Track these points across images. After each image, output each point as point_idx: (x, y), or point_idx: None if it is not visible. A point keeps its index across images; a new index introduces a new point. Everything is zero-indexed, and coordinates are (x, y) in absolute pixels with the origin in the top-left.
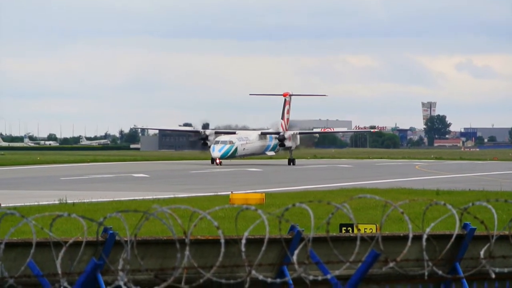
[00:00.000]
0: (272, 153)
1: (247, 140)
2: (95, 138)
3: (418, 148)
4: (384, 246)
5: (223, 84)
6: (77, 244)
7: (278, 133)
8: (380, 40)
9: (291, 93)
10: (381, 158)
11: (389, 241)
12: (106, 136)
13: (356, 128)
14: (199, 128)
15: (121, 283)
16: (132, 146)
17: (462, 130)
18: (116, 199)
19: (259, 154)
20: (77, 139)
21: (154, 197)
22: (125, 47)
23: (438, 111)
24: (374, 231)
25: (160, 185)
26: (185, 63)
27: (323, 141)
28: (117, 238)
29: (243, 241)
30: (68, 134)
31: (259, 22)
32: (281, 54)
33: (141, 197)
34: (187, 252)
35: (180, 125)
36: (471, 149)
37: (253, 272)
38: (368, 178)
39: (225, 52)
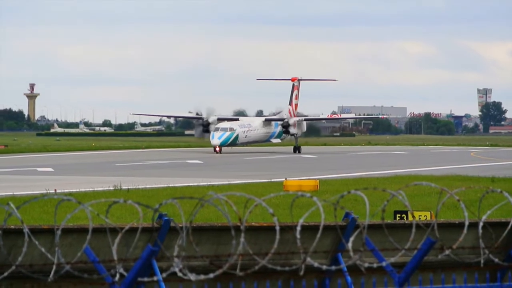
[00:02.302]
0: (277, 140)
1: (250, 127)
2: (150, 124)
3: (473, 135)
4: (440, 233)
5: (279, 71)
6: (132, 230)
7: (282, 119)
8: (434, 26)
9: (299, 78)
10: (436, 145)
11: (445, 229)
12: (160, 122)
13: (411, 115)
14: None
15: (176, 269)
16: (186, 132)
17: None
18: (170, 185)
19: (263, 141)
20: (132, 125)
21: (209, 183)
22: (182, 34)
23: (493, 98)
24: (428, 218)
25: (214, 172)
26: (243, 50)
27: (377, 128)
28: (172, 224)
29: (298, 228)
30: (123, 120)
31: (315, 9)
32: (335, 41)
33: (195, 184)
34: (242, 239)
35: (235, 111)
36: None
37: (308, 259)
38: (423, 165)
39: (281, 39)
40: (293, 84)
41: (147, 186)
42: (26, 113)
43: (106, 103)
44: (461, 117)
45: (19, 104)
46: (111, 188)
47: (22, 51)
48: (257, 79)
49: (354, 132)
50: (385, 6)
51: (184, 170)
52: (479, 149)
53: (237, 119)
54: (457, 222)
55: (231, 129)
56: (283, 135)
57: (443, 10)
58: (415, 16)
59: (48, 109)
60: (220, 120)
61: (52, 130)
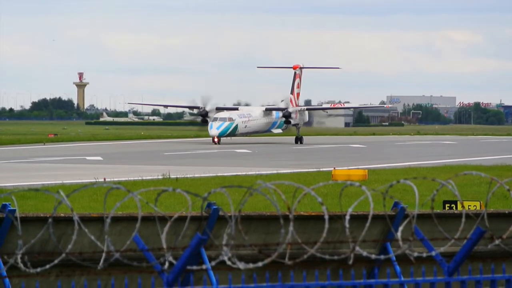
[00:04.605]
0: (278, 130)
1: (250, 117)
2: None
3: None
4: (490, 223)
5: (322, 60)
6: (181, 219)
7: (284, 109)
8: (483, 15)
9: (301, 66)
10: (486, 135)
11: (495, 218)
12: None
13: (460, 105)
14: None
15: (225, 258)
16: None
17: None
18: (219, 174)
19: (263, 132)
20: (180, 115)
21: (257, 172)
22: (228, 22)
23: None
24: (478, 208)
25: (262, 161)
26: (288, 39)
27: (426, 118)
28: (221, 213)
29: (347, 217)
30: (171, 110)
31: None
32: (381, 30)
33: (244, 173)
34: (291, 228)
35: (282, 101)
36: None
37: (357, 248)
38: (473, 155)
39: (326, 28)
40: (295, 72)
41: (196, 175)
42: (75, 102)
43: (155, 92)
44: (511, 106)
45: (69, 93)
46: (160, 177)
47: (71, 40)
48: (258, 67)
49: (402, 122)
50: None
51: (233, 159)
52: None
53: (237, 109)
54: (507, 212)
55: (230, 119)
56: (284, 125)
57: None
58: (463, 4)
59: (97, 98)
60: (219, 109)
61: (101, 119)
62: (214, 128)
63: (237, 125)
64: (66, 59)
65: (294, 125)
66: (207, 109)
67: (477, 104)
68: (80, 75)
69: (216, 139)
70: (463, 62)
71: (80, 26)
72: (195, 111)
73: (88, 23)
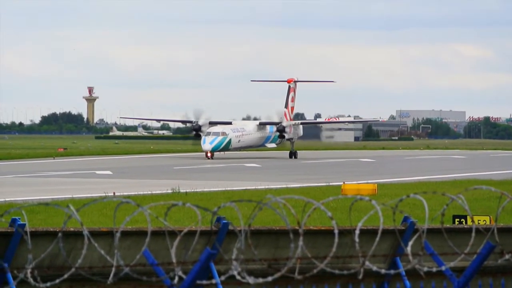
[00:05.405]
0: (272, 145)
1: (243, 131)
2: None
3: None
4: (500, 238)
5: (329, 74)
6: (191, 233)
7: (277, 123)
8: (491, 29)
9: (296, 79)
10: (495, 149)
11: (505, 233)
12: None
13: (470, 119)
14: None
15: (235, 272)
16: None
17: None
18: (228, 188)
19: (257, 146)
20: (190, 129)
21: (266, 187)
22: (233, 36)
23: None
24: (488, 222)
25: (271, 175)
26: (294, 52)
27: (436, 132)
28: (230, 227)
29: (357, 232)
30: (181, 124)
31: (367, 11)
32: (391, 44)
33: (253, 187)
34: (300, 242)
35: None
36: None
37: (367, 262)
38: (482, 169)
39: (334, 42)
40: (289, 86)
41: (205, 189)
42: (85, 116)
43: (165, 106)
44: None
45: (78, 107)
46: (169, 191)
47: (81, 54)
48: (251, 81)
49: (412, 136)
50: (441, 8)
51: (242, 173)
52: None
53: (230, 123)
54: None
55: (224, 133)
56: (278, 139)
57: (499, 12)
58: (472, 18)
59: (107, 112)
60: (212, 123)
61: (110, 133)
62: (207, 143)
63: (230, 140)
64: (75, 73)
65: (288, 139)
66: (200, 123)
67: (486, 119)
68: (90, 89)
69: (209, 154)
70: (473, 77)
71: (90, 40)
72: (189, 125)
73: (98, 37)
